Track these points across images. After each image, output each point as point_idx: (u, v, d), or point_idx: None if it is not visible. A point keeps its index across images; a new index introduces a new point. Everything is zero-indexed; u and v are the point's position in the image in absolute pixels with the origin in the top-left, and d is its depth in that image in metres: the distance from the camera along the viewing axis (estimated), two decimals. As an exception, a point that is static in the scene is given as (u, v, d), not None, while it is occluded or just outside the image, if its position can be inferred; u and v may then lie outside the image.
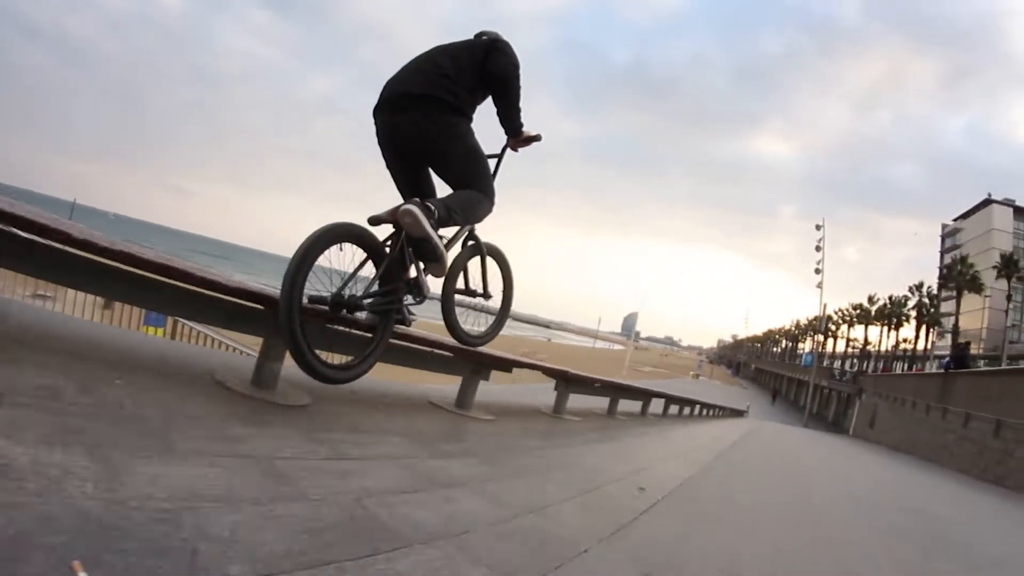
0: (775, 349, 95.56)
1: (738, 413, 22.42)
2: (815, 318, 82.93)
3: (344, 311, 2.35)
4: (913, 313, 48.00)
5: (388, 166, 2.67)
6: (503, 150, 2.94)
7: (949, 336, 47.78)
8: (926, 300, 45.18)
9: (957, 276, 40.53)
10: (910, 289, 47.20)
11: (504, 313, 3.37)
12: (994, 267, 41.51)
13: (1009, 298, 41.23)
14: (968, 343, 28.61)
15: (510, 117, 2.80)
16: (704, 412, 14.63)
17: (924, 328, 45.86)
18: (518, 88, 2.75)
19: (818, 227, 37.17)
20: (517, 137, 2.88)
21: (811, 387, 34.66)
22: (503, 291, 3.35)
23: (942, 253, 59.40)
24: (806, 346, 74.73)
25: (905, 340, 48.26)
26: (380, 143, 2.62)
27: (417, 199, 2.44)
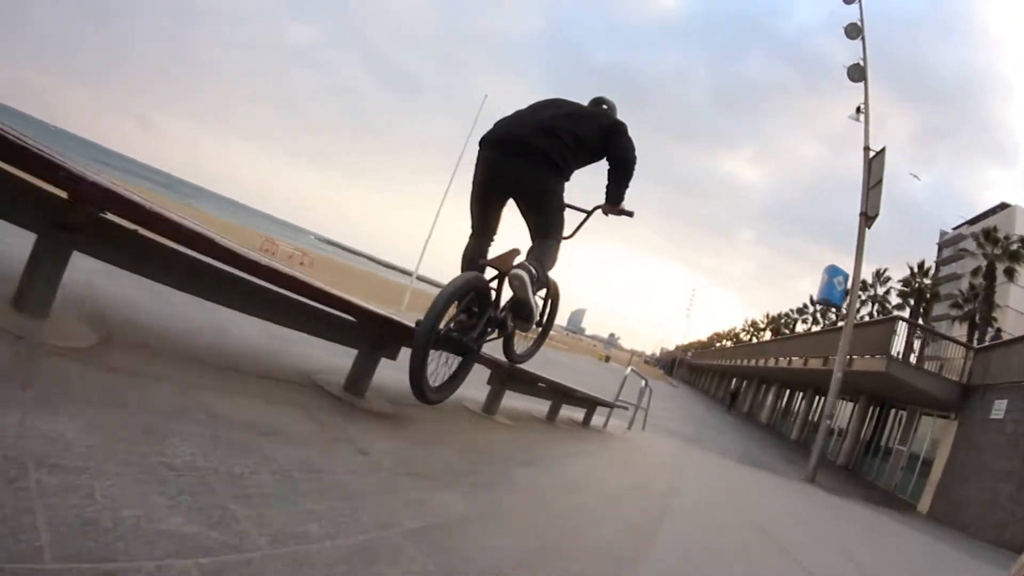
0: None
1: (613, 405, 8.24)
2: (781, 316, 64.57)
3: (454, 347, 2.67)
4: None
5: (478, 193, 2.78)
6: (593, 209, 3.05)
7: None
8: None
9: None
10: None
11: (544, 336, 3.59)
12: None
13: None
14: None
15: (619, 192, 2.93)
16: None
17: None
18: (633, 172, 2.91)
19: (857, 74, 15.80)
20: (615, 206, 3.00)
21: (835, 381, 12.62)
22: (547, 317, 3.44)
23: (938, 264, 47.62)
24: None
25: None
26: (482, 173, 2.72)
27: (525, 263, 2.65)
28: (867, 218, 13.20)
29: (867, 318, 31.12)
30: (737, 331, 76.88)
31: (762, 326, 67.22)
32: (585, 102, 3.03)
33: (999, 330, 18.06)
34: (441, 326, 2.44)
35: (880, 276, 37.06)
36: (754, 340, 60.27)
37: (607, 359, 49.09)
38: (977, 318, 26.92)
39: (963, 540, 9.34)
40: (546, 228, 2.79)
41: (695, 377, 70.09)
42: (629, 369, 9.18)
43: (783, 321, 58.55)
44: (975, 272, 28.53)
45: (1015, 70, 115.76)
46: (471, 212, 2.81)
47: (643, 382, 9.17)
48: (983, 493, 10.85)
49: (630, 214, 3.04)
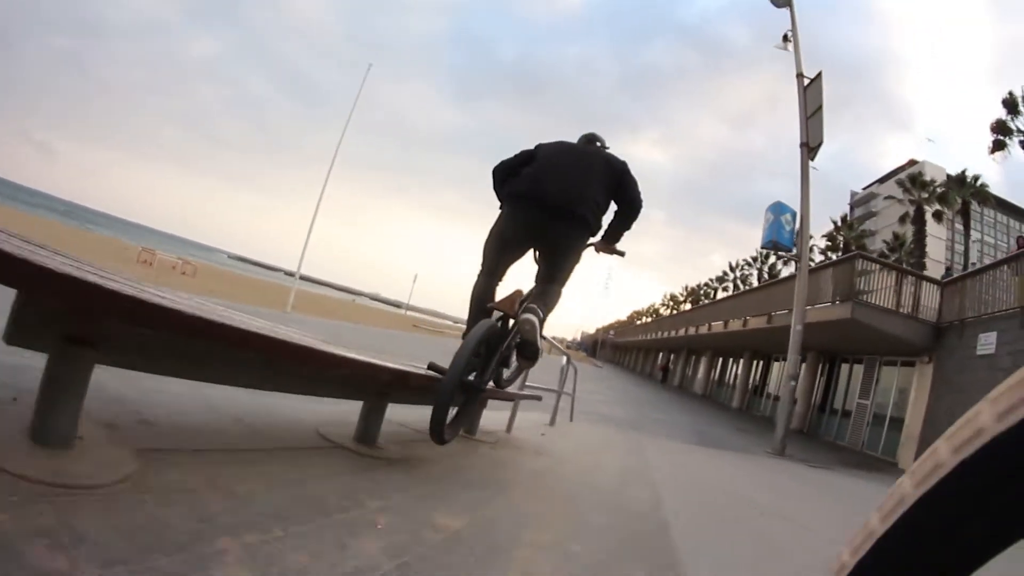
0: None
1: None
2: (700, 287, 65.42)
3: (467, 388, 2.63)
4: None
5: (502, 241, 2.83)
6: (586, 247, 2.99)
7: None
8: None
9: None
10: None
11: None
12: None
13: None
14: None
15: (619, 233, 3.00)
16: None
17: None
18: (639, 214, 3.01)
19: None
20: (610, 245, 3.02)
21: (796, 334, 10.43)
22: None
23: (851, 224, 46.22)
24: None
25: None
26: (515, 226, 2.80)
27: (533, 306, 2.62)
28: (809, 148, 11.41)
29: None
30: (657, 307, 77.46)
31: (682, 299, 67.66)
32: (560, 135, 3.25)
33: (949, 268, 17.14)
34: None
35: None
36: (674, 313, 60.41)
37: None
38: (905, 265, 27.06)
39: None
40: (558, 275, 2.86)
41: (619, 356, 69.82)
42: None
43: (703, 292, 58.75)
44: (902, 219, 28.64)
45: (901, 42, 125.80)
46: (486, 255, 2.86)
47: (563, 359, 6.61)
48: None
49: (621, 254, 3.06)
